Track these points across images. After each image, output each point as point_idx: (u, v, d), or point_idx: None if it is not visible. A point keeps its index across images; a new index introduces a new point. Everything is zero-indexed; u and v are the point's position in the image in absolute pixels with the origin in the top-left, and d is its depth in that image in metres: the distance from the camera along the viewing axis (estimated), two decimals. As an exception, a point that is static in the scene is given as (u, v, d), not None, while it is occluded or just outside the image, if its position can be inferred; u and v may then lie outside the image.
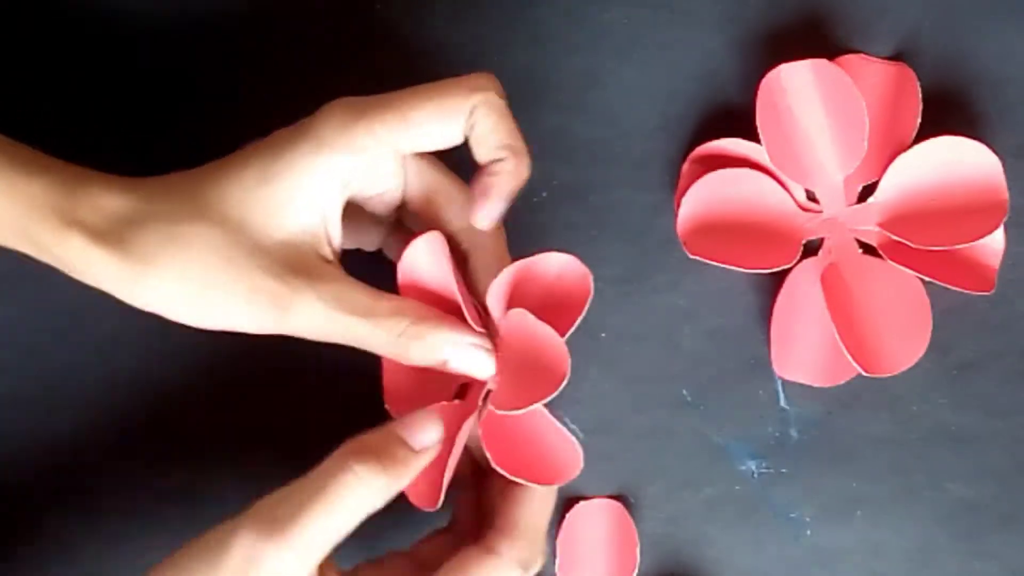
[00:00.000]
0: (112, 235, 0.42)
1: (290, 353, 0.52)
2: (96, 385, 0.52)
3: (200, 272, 0.42)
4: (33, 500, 0.52)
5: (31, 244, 0.43)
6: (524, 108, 0.53)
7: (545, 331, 0.43)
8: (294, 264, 0.42)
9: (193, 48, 0.53)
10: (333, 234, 0.44)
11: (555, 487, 0.43)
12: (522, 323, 0.43)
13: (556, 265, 0.44)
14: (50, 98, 0.53)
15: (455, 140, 0.44)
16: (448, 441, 0.42)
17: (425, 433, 0.41)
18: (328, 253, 0.44)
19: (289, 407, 0.52)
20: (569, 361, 0.42)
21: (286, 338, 0.51)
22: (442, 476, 0.42)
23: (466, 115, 0.43)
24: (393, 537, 0.45)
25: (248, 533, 0.39)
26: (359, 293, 0.43)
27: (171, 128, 0.53)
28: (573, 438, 0.44)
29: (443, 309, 0.44)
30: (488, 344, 0.44)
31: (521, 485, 0.42)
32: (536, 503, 0.43)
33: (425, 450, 0.41)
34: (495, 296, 0.44)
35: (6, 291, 0.52)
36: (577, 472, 0.43)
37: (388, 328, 0.43)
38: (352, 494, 0.39)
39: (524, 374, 0.43)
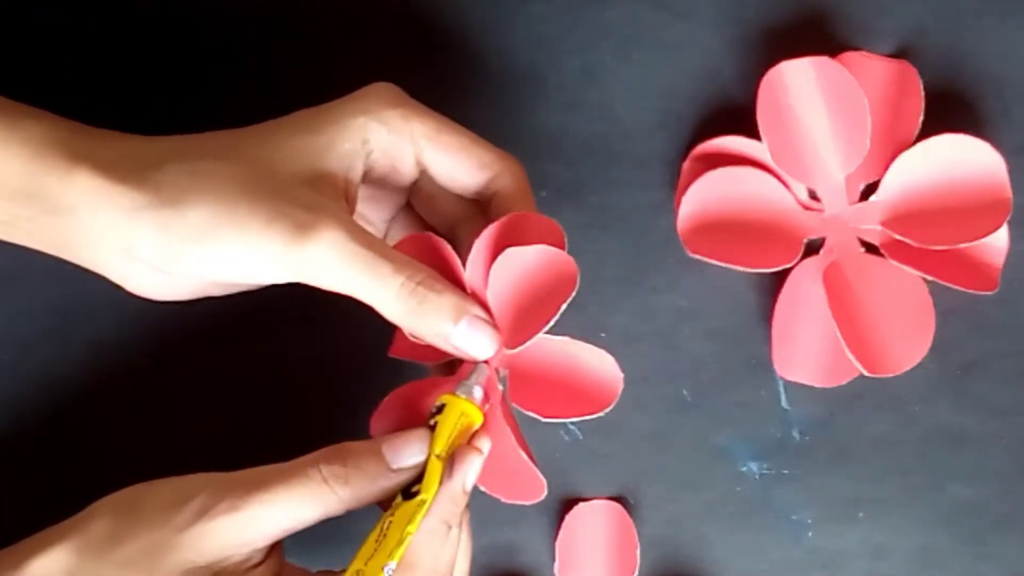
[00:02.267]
0: (125, 171, 0.41)
1: (288, 357, 0.52)
2: (92, 386, 0.52)
3: (219, 201, 0.41)
4: (30, 499, 0.52)
5: (32, 198, 0.41)
6: (524, 108, 0.53)
7: (540, 249, 0.42)
8: (317, 201, 0.42)
9: (193, 46, 0.53)
10: (352, 194, 0.44)
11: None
12: (510, 260, 0.43)
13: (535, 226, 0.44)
14: (57, 94, 0.53)
15: (462, 184, 0.45)
16: (502, 433, 0.43)
17: (407, 454, 0.41)
18: (347, 208, 0.43)
19: (287, 411, 0.52)
20: (576, 266, 0.42)
21: (286, 335, 0.51)
22: (532, 468, 0.43)
23: (486, 174, 0.44)
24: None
25: (209, 491, 0.40)
26: (379, 239, 0.43)
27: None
28: (605, 352, 0.44)
29: None
30: (492, 321, 0.43)
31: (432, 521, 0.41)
32: (437, 542, 0.41)
33: (401, 471, 0.41)
34: (475, 265, 0.43)
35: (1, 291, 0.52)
36: (620, 386, 0.43)
37: (405, 276, 0.41)
38: (312, 493, 0.40)
39: (533, 297, 0.43)
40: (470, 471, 0.42)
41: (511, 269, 0.43)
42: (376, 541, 0.40)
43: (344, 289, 0.42)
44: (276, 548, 0.42)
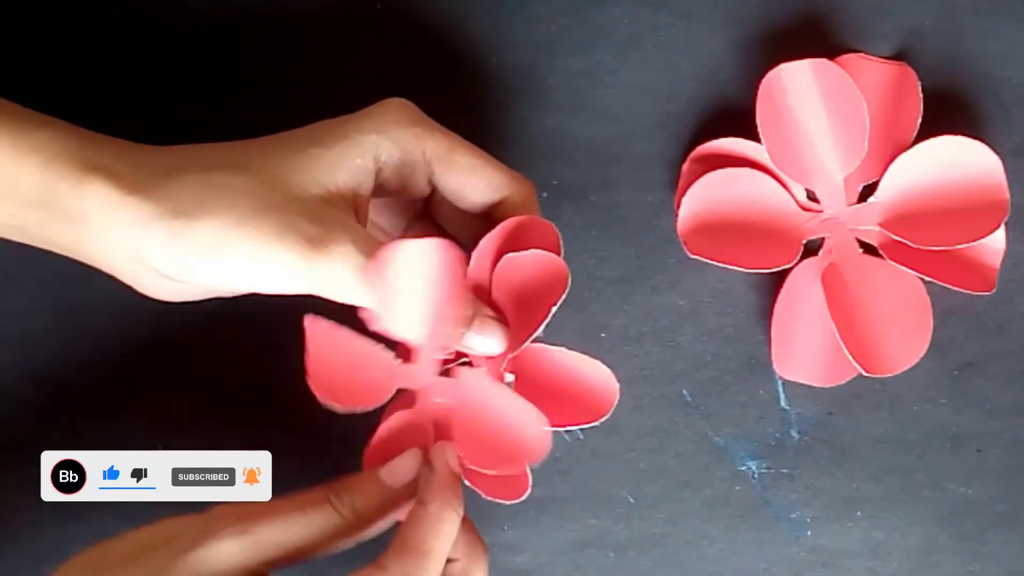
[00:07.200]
0: (137, 181, 0.41)
1: (292, 354, 0.52)
2: (93, 386, 0.52)
3: (229, 214, 0.41)
4: (29, 499, 0.52)
5: (44, 206, 0.41)
6: (524, 108, 0.53)
7: (535, 254, 0.43)
8: (328, 214, 0.42)
9: (189, 51, 0.53)
10: (363, 209, 0.44)
11: (447, 513, 0.43)
12: (509, 266, 0.44)
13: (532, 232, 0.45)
14: (61, 103, 0.53)
15: (471, 203, 0.45)
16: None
17: (403, 473, 0.43)
18: (358, 221, 0.44)
19: (285, 414, 0.52)
20: (567, 268, 0.43)
21: (291, 332, 0.51)
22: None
23: (495, 195, 0.45)
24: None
25: (202, 517, 0.41)
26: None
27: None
28: (603, 365, 0.45)
29: None
30: (499, 318, 0.44)
31: (416, 507, 0.43)
32: (424, 523, 0.42)
33: (401, 491, 0.42)
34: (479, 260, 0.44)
35: (2, 291, 0.52)
36: (616, 397, 0.45)
37: None
38: (319, 511, 0.41)
39: (530, 301, 0.44)
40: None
41: (509, 274, 0.44)
42: None
43: (356, 303, 0.42)
44: None
